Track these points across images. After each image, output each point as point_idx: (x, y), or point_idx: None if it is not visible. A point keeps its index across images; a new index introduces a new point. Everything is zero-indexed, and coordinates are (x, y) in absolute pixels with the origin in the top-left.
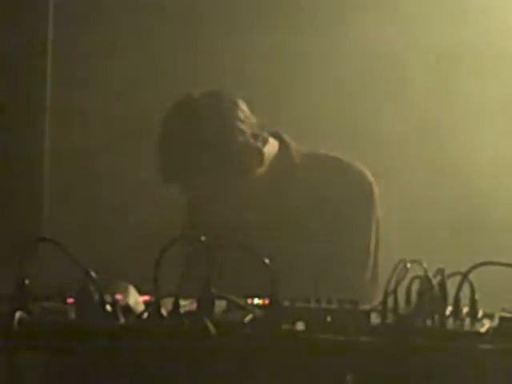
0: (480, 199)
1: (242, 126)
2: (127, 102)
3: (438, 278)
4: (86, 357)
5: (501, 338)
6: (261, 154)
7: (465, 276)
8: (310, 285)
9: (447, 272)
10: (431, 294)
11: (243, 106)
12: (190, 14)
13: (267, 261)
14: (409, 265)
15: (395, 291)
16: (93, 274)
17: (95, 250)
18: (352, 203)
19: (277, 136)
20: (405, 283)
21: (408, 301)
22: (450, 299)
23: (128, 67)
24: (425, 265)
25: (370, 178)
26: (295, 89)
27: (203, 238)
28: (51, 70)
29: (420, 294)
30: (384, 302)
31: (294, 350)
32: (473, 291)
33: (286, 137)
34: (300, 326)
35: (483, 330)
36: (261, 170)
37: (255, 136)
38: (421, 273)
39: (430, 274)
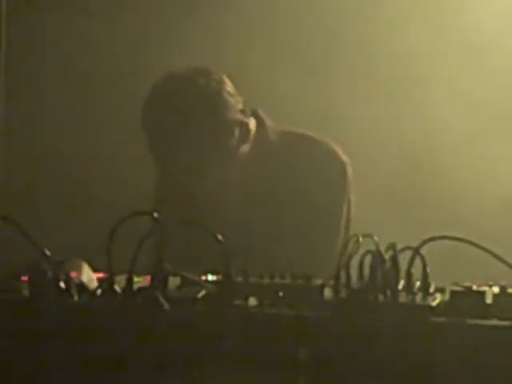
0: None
1: (231, 101)
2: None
3: (390, 252)
4: (39, 335)
5: (452, 312)
6: (248, 129)
7: (416, 250)
8: (280, 259)
9: (399, 247)
10: (383, 269)
11: (228, 81)
12: None
13: (220, 237)
14: (361, 239)
15: (348, 266)
16: (47, 251)
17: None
18: (324, 181)
19: (253, 113)
20: (357, 258)
21: (361, 275)
22: (402, 274)
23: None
24: (376, 239)
25: (344, 157)
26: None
27: (156, 215)
28: None
29: (372, 268)
30: (337, 277)
31: (246, 326)
32: (424, 266)
33: (262, 114)
34: (252, 301)
35: (435, 303)
36: (245, 147)
37: (243, 111)
38: (373, 247)
39: (382, 249)
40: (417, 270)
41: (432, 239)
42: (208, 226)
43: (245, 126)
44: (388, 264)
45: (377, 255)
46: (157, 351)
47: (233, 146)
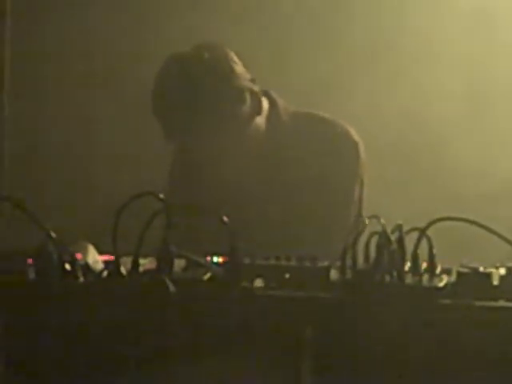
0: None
1: (239, 69)
2: None
3: (397, 233)
4: (44, 317)
5: (458, 294)
6: (260, 99)
7: (423, 232)
8: (293, 240)
9: (405, 228)
10: (389, 250)
11: (233, 54)
12: None
13: (225, 219)
14: (367, 220)
15: (354, 247)
16: (52, 233)
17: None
18: (336, 161)
19: (265, 94)
20: (363, 239)
21: (367, 257)
22: (409, 255)
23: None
24: (382, 221)
25: (356, 137)
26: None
27: (161, 196)
28: None
29: (378, 249)
30: (343, 258)
31: (253, 307)
32: (431, 247)
33: (274, 94)
34: (259, 282)
35: (441, 285)
36: (259, 120)
37: (252, 81)
38: (379, 228)
39: (388, 230)
40: (423, 252)
41: (438, 220)
42: (213, 208)
43: (255, 95)
44: (394, 245)
45: (383, 236)
46: (162, 333)
47: (246, 115)
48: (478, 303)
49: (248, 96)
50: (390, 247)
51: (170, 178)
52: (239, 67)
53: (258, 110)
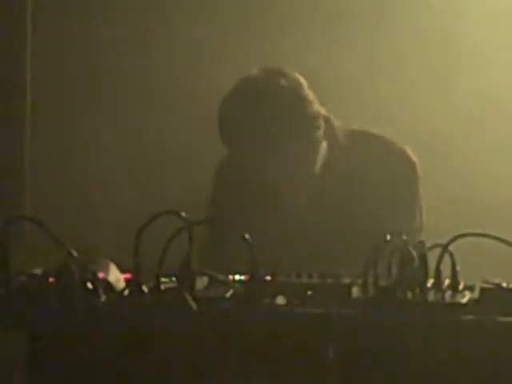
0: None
1: (312, 96)
2: None
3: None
4: (68, 334)
5: (482, 310)
6: (331, 123)
7: (445, 248)
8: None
9: (428, 244)
10: (412, 267)
11: (302, 79)
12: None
13: (247, 236)
14: (388, 237)
15: (375, 264)
16: (74, 252)
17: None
18: (396, 183)
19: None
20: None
21: (389, 274)
22: (432, 271)
23: None
24: (404, 237)
25: (414, 157)
26: None
27: (184, 214)
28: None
29: (401, 266)
30: (365, 275)
31: (275, 324)
32: (453, 263)
33: (327, 113)
34: (280, 300)
35: (464, 301)
36: (323, 145)
37: (322, 105)
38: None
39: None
40: (446, 267)
41: (461, 236)
42: (237, 226)
43: (328, 120)
44: (416, 262)
45: (405, 253)
46: (184, 351)
47: (318, 140)
48: (502, 319)
49: (322, 122)
50: (413, 264)
51: (218, 194)
52: (311, 92)
53: (327, 133)
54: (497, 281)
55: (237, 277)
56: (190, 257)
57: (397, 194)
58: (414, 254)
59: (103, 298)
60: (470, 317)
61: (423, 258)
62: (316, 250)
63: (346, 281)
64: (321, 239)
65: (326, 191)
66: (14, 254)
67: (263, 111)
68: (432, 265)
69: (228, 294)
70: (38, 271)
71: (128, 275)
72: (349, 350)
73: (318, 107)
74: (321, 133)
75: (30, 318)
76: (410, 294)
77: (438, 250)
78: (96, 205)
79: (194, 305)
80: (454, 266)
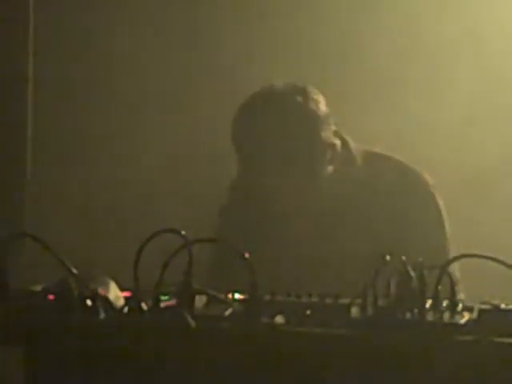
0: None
1: (327, 122)
2: None
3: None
4: (65, 352)
5: (480, 331)
6: (337, 151)
7: (443, 269)
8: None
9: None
10: (410, 287)
11: (324, 100)
12: None
13: (247, 255)
14: (388, 257)
15: (374, 284)
16: (73, 269)
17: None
18: (415, 208)
19: (336, 133)
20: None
21: (388, 294)
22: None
23: None
24: (403, 257)
25: (431, 181)
26: None
27: (183, 232)
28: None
29: (399, 287)
30: (364, 295)
31: (274, 344)
32: (452, 284)
33: (344, 135)
34: (279, 319)
35: (462, 322)
36: (330, 169)
37: (336, 133)
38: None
39: (409, 267)
40: (445, 288)
41: (459, 257)
42: (234, 244)
43: (335, 148)
44: (415, 283)
45: (404, 273)
46: (183, 369)
47: (322, 168)
48: (500, 340)
49: (329, 151)
50: (411, 285)
51: (228, 208)
52: (327, 116)
53: (333, 161)
54: (495, 302)
55: (235, 295)
56: (190, 275)
57: (414, 214)
58: (413, 274)
59: (102, 315)
60: (469, 337)
61: (422, 279)
62: (316, 271)
63: (345, 300)
64: (324, 260)
65: (338, 211)
66: (13, 270)
67: (270, 124)
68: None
69: (227, 313)
70: (38, 288)
71: (127, 293)
72: (347, 370)
73: (330, 134)
74: (325, 161)
75: (28, 335)
76: (408, 315)
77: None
78: (96, 220)
79: (192, 323)
80: (452, 286)
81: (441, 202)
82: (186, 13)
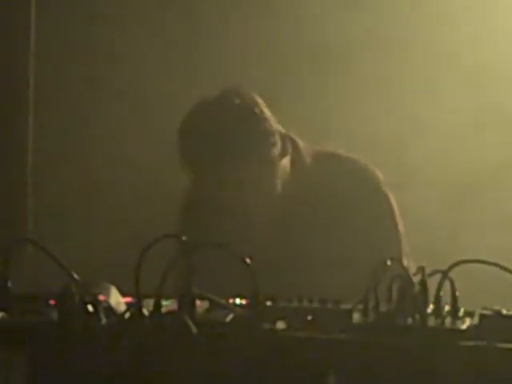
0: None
1: (268, 114)
2: None
3: (419, 276)
4: (68, 358)
5: (481, 336)
6: (288, 141)
7: (445, 274)
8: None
9: (428, 270)
10: (412, 293)
11: (260, 99)
12: None
13: (248, 260)
14: (389, 263)
15: (376, 290)
16: (75, 275)
17: (78, 249)
18: (362, 200)
19: (286, 135)
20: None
21: (389, 299)
22: (432, 297)
23: None
24: (405, 263)
25: (380, 175)
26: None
27: (184, 238)
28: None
29: (401, 292)
30: (365, 301)
31: (275, 349)
32: (453, 289)
33: (294, 135)
34: (281, 324)
35: (464, 327)
36: (284, 163)
37: (285, 135)
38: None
39: (411, 273)
40: (446, 294)
41: (461, 262)
42: (235, 249)
43: (286, 138)
44: (416, 288)
45: (406, 279)
46: (184, 375)
47: (275, 158)
48: (501, 346)
49: (278, 139)
50: (413, 290)
51: (183, 215)
52: (267, 111)
53: (285, 152)
54: (497, 307)
55: (237, 300)
56: (190, 280)
57: (365, 209)
58: (414, 280)
59: (104, 320)
60: (470, 343)
61: (423, 284)
62: (276, 273)
63: (347, 306)
64: (282, 261)
65: (288, 211)
66: (15, 274)
67: (217, 130)
68: (432, 291)
69: (228, 318)
70: (39, 293)
71: (129, 299)
72: (348, 375)
73: (274, 125)
74: (277, 150)
75: (30, 340)
76: (410, 320)
77: (438, 276)
78: (97, 226)
79: (194, 328)
80: (453, 292)
81: (393, 201)
82: (186, 12)
